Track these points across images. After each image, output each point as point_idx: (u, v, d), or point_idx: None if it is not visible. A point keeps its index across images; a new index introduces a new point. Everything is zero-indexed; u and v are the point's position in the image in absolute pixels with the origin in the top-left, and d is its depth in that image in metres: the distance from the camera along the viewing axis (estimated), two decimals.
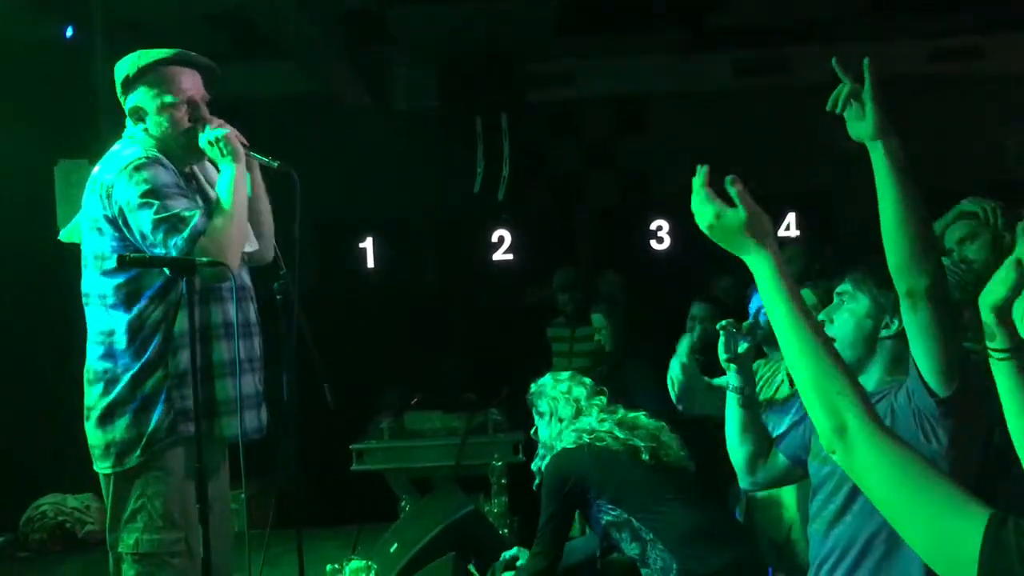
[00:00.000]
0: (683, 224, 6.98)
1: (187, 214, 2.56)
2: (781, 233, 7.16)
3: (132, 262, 2.51)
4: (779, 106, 7.10)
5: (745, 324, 2.51)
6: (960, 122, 6.74)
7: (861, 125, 1.99)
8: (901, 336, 2.10)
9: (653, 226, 7.23)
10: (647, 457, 3.05)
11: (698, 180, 1.60)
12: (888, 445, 1.30)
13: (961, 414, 1.99)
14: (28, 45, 4.61)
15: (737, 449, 2.46)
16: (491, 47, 6.56)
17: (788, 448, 2.40)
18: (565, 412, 3.23)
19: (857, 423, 1.32)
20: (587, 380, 3.38)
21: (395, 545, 3.61)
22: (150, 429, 2.62)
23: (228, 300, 2.70)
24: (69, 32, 4.39)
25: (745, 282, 5.21)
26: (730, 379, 2.48)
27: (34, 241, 4.76)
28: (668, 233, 7.18)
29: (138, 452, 2.63)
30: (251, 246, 2.85)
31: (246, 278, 2.85)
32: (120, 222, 2.59)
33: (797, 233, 7.12)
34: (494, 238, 7.21)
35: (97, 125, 4.77)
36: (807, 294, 3.36)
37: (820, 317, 2.29)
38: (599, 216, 7.50)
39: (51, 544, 4.88)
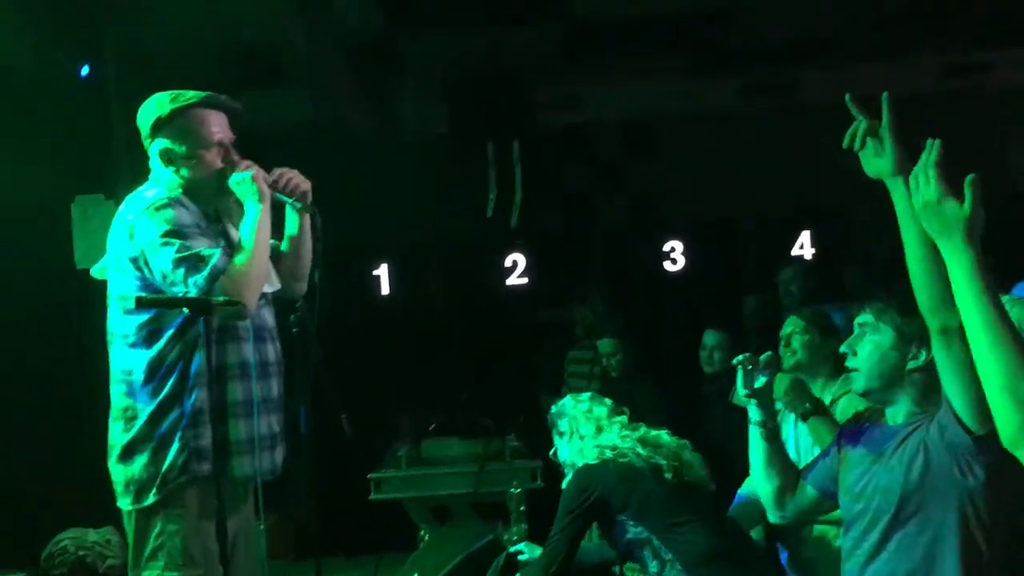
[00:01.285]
0: (695, 245, 7.08)
1: (207, 253, 2.58)
2: (795, 252, 7.16)
3: (149, 303, 2.54)
4: (789, 126, 7.12)
5: (763, 358, 2.49)
6: (970, 138, 6.72)
7: (880, 162, 1.98)
8: (930, 367, 2.07)
9: (666, 248, 7.23)
10: (670, 475, 3.02)
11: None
12: None
13: (998, 449, 1.96)
14: (44, 81, 4.65)
15: (764, 483, 2.43)
16: (501, 73, 6.60)
17: (816, 480, 2.37)
18: (586, 430, 3.22)
19: None
20: (607, 400, 3.38)
21: (415, 575, 3.60)
22: (165, 468, 2.63)
23: (245, 340, 2.71)
24: (85, 71, 4.44)
25: (771, 303, 5.22)
26: (751, 414, 2.46)
27: (53, 276, 4.81)
28: (681, 254, 7.17)
29: (154, 490, 2.64)
30: (271, 287, 2.86)
31: (268, 317, 2.86)
32: (141, 261, 2.62)
33: (812, 251, 7.12)
34: (508, 262, 7.23)
35: (113, 160, 4.82)
36: (794, 320, 3.40)
37: (842, 349, 2.26)
38: (611, 239, 7.51)
39: None
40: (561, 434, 3.31)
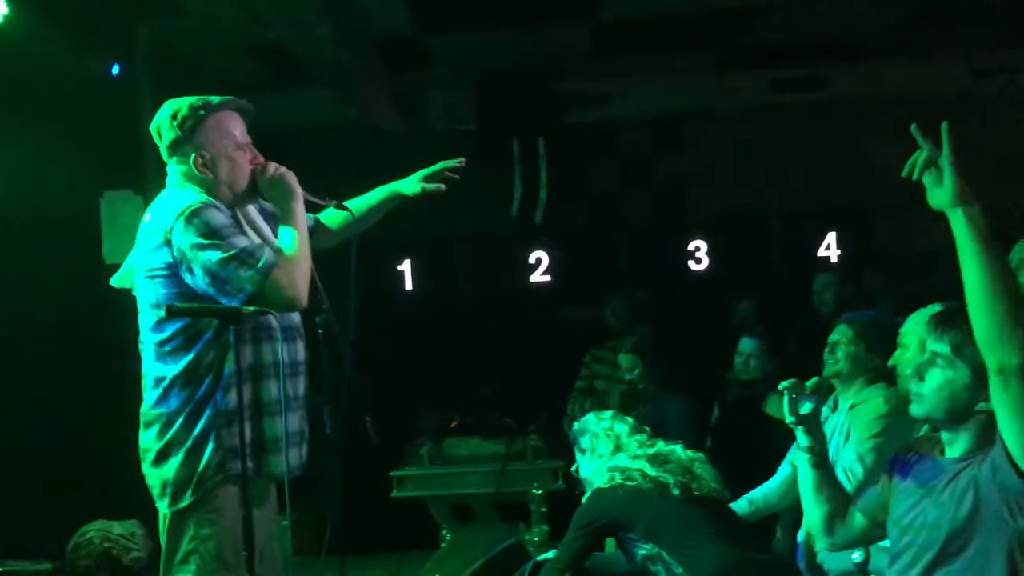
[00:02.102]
0: (721, 244, 7.04)
1: (254, 248, 2.61)
2: (821, 253, 7.10)
3: (180, 312, 2.55)
4: (817, 123, 7.06)
5: (809, 384, 2.44)
6: (1002, 139, 6.64)
7: (940, 192, 1.92)
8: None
9: (691, 246, 7.19)
10: (677, 492, 3.09)
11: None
12: None
13: None
14: (75, 79, 4.70)
15: (813, 509, 2.38)
16: (527, 70, 6.59)
17: (866, 508, 2.33)
18: (605, 448, 3.32)
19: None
20: (629, 419, 3.46)
21: None
22: (200, 467, 2.65)
23: (276, 340, 2.73)
24: (115, 70, 4.48)
25: (766, 306, 5.16)
26: (799, 439, 2.40)
27: (82, 271, 4.85)
28: (707, 254, 7.13)
29: (190, 491, 2.66)
30: None
31: (294, 316, 2.87)
32: (183, 268, 2.60)
33: (838, 252, 7.05)
34: (532, 260, 7.22)
35: (142, 156, 4.87)
36: (843, 330, 3.34)
37: (908, 371, 2.20)
38: (637, 236, 7.48)
39: (97, 571, 4.93)
40: (583, 451, 3.40)
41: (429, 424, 5.62)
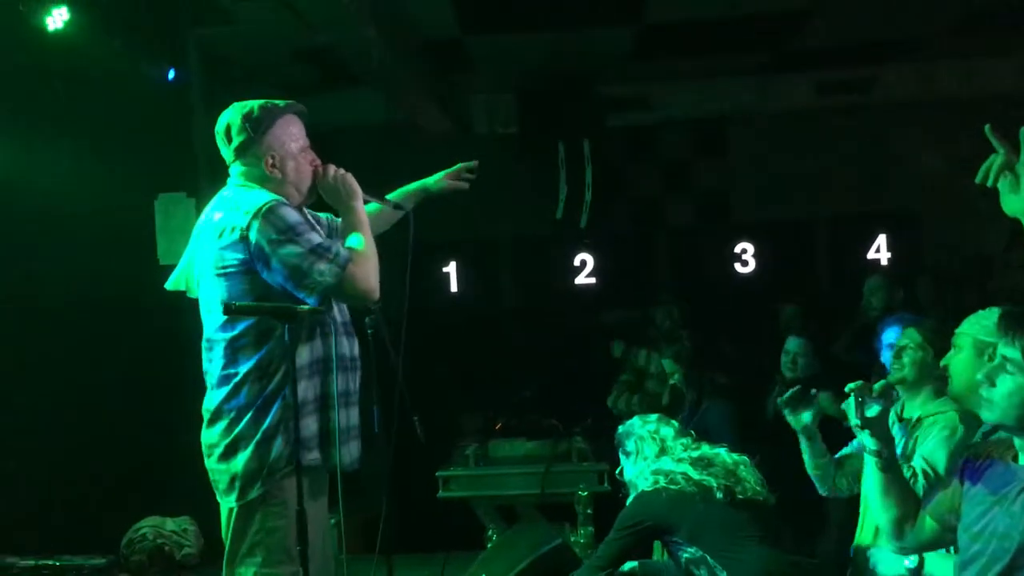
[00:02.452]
0: (766, 247, 6.97)
1: (329, 244, 2.70)
2: (871, 256, 7.02)
3: (238, 310, 2.61)
4: (863, 126, 6.99)
5: (876, 386, 2.41)
6: None
7: (1016, 199, 1.85)
8: None
9: (737, 249, 7.15)
10: (720, 495, 3.09)
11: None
12: None
13: None
14: (129, 84, 4.79)
15: (881, 513, 2.37)
16: (571, 73, 6.60)
17: (936, 513, 2.29)
18: (650, 451, 3.31)
19: None
20: (674, 422, 3.46)
21: None
22: (271, 459, 2.70)
23: (340, 334, 2.83)
24: (171, 75, 4.57)
25: (812, 310, 5.11)
26: (866, 443, 2.38)
27: (138, 270, 4.95)
28: (752, 256, 7.09)
29: (260, 483, 2.71)
30: None
31: (347, 314, 2.94)
32: (259, 264, 2.66)
33: (888, 255, 6.97)
34: (576, 262, 7.22)
35: (194, 159, 4.96)
36: (911, 334, 3.24)
37: (978, 377, 2.13)
38: (680, 239, 7.46)
39: (150, 566, 5.02)
40: (627, 454, 3.40)
41: (474, 425, 5.65)
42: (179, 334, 2.93)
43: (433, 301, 7.12)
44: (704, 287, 6.91)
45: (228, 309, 2.58)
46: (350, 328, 2.93)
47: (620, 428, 3.48)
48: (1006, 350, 2.05)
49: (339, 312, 2.86)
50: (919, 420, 3.10)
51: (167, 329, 4.32)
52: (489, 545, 4.38)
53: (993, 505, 2.09)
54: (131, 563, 5.02)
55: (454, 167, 3.31)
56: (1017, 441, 2.10)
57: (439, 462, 5.25)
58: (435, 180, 3.30)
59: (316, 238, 2.69)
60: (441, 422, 5.12)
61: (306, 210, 2.95)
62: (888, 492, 2.33)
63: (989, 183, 1.87)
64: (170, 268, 3.03)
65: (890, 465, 2.35)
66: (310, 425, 2.73)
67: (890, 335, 3.48)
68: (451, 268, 7.23)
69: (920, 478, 2.83)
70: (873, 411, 2.37)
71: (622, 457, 3.42)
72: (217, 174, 3.02)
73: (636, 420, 3.46)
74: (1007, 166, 1.82)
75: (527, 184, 6.94)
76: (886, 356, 3.41)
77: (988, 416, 2.11)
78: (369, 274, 2.73)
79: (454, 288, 7.24)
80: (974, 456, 2.25)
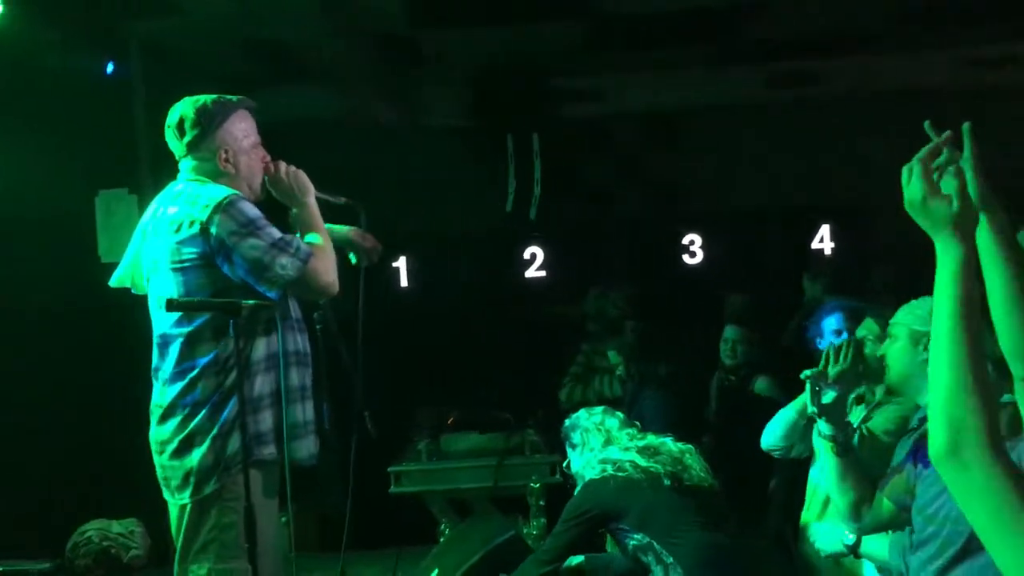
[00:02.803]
0: (715, 238, 7.00)
1: (291, 238, 2.72)
2: (815, 246, 7.12)
3: (180, 306, 2.61)
4: (812, 119, 7.07)
5: (833, 372, 2.45)
6: (994, 134, 6.66)
7: (910, 195, 1.81)
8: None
9: (685, 240, 7.20)
10: (668, 482, 3.13)
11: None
12: (1001, 480, 1.32)
13: None
14: (68, 78, 4.70)
15: (839, 497, 2.41)
16: (522, 65, 6.59)
17: (893, 494, 2.34)
18: (595, 442, 3.35)
19: (977, 450, 1.35)
20: (619, 413, 3.50)
21: (436, 571, 3.62)
22: (228, 454, 2.70)
23: (295, 330, 2.84)
24: (110, 68, 4.48)
25: (757, 303, 5.18)
26: (821, 429, 2.42)
27: (78, 269, 4.85)
28: (700, 248, 7.14)
29: (215, 478, 2.71)
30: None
31: (299, 310, 2.94)
32: (220, 257, 2.66)
33: (832, 246, 7.07)
34: (526, 255, 7.22)
35: (136, 155, 4.87)
36: (869, 325, 3.25)
37: (920, 360, 2.21)
38: (631, 232, 7.49)
39: (96, 569, 4.94)
40: (574, 446, 3.44)
41: (426, 420, 5.62)
42: (121, 333, 2.89)
43: (383, 297, 7.07)
44: (652, 278, 6.94)
45: (170, 305, 2.57)
46: (302, 324, 2.94)
47: (566, 421, 3.53)
48: None
49: (292, 307, 2.86)
50: (879, 403, 3.15)
51: (108, 328, 4.25)
52: (442, 539, 4.38)
53: (946, 488, 2.12)
54: (77, 567, 4.94)
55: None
56: None
57: (392, 458, 5.22)
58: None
59: (277, 232, 2.70)
60: (394, 418, 5.10)
61: None
62: (845, 477, 2.39)
63: (934, 179, 1.88)
64: (113, 266, 2.99)
65: (846, 450, 2.40)
66: (267, 419, 2.73)
67: (830, 323, 3.53)
68: (400, 263, 7.18)
69: (855, 438, 2.81)
70: (828, 397, 2.42)
71: (569, 450, 3.46)
72: (160, 170, 2.99)
73: (582, 412, 3.50)
74: (950, 162, 1.81)
75: (477, 178, 6.92)
76: (825, 343, 3.46)
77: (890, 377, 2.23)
78: (329, 268, 2.76)
79: (404, 283, 7.19)
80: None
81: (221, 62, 5.77)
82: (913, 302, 2.85)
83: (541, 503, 4.37)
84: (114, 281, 2.96)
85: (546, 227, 7.13)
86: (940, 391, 1.40)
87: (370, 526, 4.97)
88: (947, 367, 1.40)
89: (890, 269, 5.92)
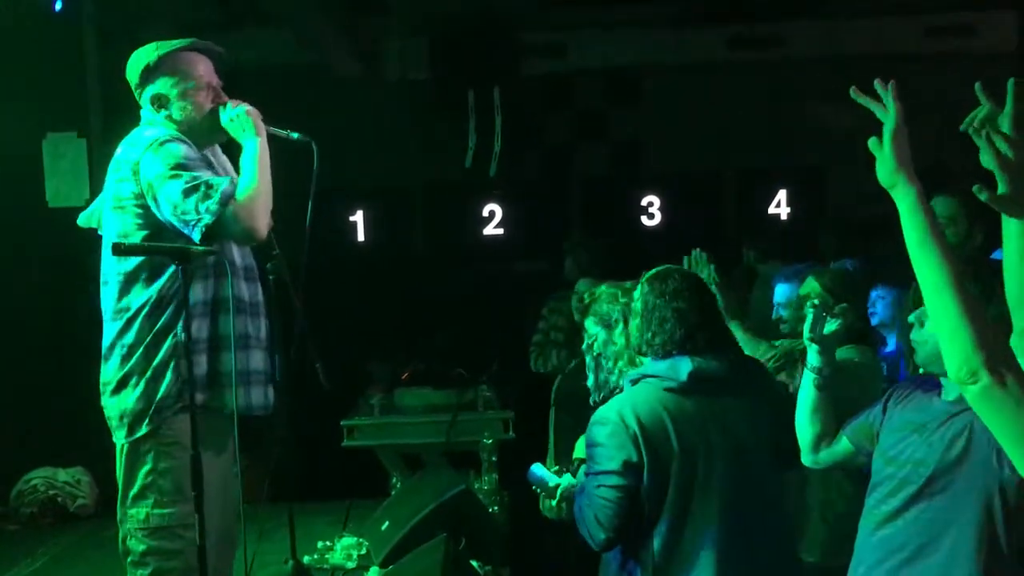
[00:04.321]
0: (675, 199, 7.01)
1: (216, 181, 2.67)
2: (772, 210, 7.17)
3: (128, 250, 2.59)
4: (773, 81, 7.08)
5: (839, 307, 2.48)
6: (955, 99, 6.72)
7: (882, 165, 1.81)
8: None
9: (644, 202, 7.21)
10: None
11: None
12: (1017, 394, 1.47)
13: None
14: (15, 16, 4.53)
15: (805, 427, 2.47)
16: (484, 18, 6.50)
17: (854, 435, 2.40)
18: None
19: (987, 365, 1.49)
20: None
21: (386, 523, 3.63)
22: (159, 397, 2.70)
23: (238, 277, 2.80)
24: (58, 5, 4.33)
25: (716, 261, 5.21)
26: (810, 359, 2.47)
27: (25, 214, 4.74)
28: (659, 209, 7.16)
29: (147, 420, 2.70)
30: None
31: (251, 259, 2.93)
32: (149, 197, 2.67)
33: (788, 210, 7.12)
34: (485, 212, 7.18)
35: (85, 98, 4.73)
36: (811, 283, 3.27)
37: (910, 319, 2.22)
38: (591, 189, 7.47)
39: (42, 518, 4.88)
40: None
41: (381, 374, 5.61)
42: (68, 277, 2.83)
43: (340, 249, 7.01)
44: (612, 236, 6.94)
45: (118, 249, 2.56)
46: (253, 273, 2.92)
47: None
48: None
49: (239, 255, 2.84)
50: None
51: (55, 273, 4.16)
52: (393, 492, 4.39)
53: (911, 432, 2.19)
54: (21, 515, 4.88)
55: None
56: (944, 380, 2.18)
57: (345, 411, 5.21)
58: None
59: (203, 175, 2.66)
60: (349, 371, 5.07)
61: (219, 151, 2.95)
62: (816, 410, 2.44)
63: (972, 132, 1.81)
64: (59, 210, 2.96)
65: (825, 384, 2.44)
66: (201, 364, 2.71)
67: (780, 291, 3.55)
68: (358, 216, 7.11)
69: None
70: (831, 327, 2.46)
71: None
72: (110, 113, 2.95)
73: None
74: (990, 118, 1.78)
75: (437, 132, 6.85)
76: (779, 311, 3.49)
77: (918, 357, 2.23)
78: (254, 214, 2.69)
79: (361, 236, 7.13)
80: (900, 387, 2.36)
81: (176, 3, 5.61)
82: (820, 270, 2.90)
83: (493, 459, 4.38)
84: (82, 220, 2.98)
85: (506, 184, 7.09)
86: (946, 324, 1.55)
87: (321, 478, 4.98)
88: (950, 304, 1.55)
89: (831, 233, 5.96)
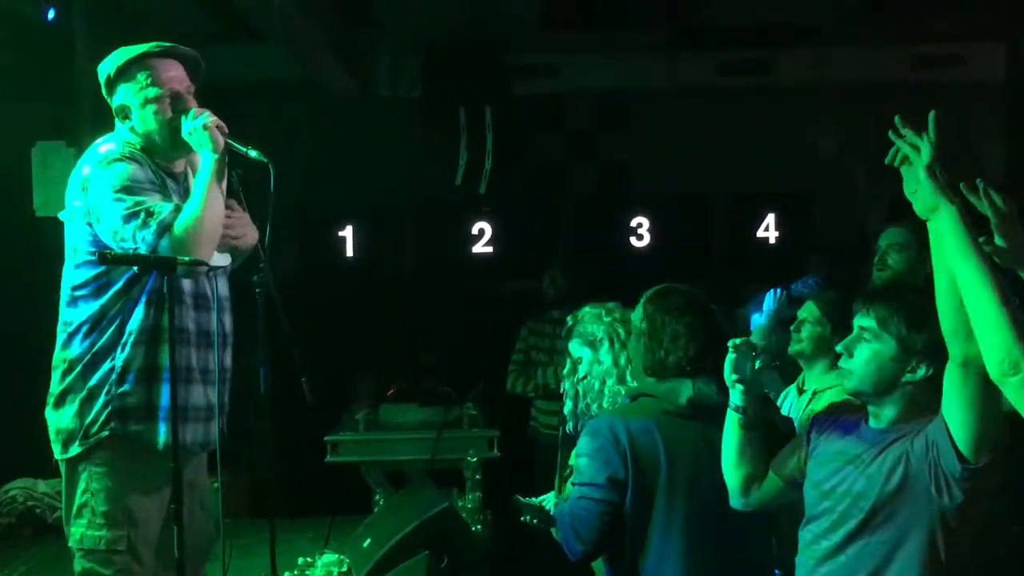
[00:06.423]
0: (663, 222, 7.05)
1: (156, 208, 2.56)
2: (760, 234, 7.20)
3: (113, 259, 2.51)
4: (762, 107, 7.13)
5: (761, 344, 2.44)
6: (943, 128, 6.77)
7: (919, 198, 1.93)
8: (925, 382, 2.07)
9: (633, 223, 7.23)
10: None
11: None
12: None
13: (984, 477, 1.96)
14: (7, 24, 4.52)
15: (733, 471, 2.37)
16: (477, 37, 6.53)
17: (782, 470, 2.35)
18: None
19: None
20: None
21: (368, 540, 3.61)
22: (88, 421, 2.64)
23: (186, 305, 2.70)
24: (51, 14, 4.32)
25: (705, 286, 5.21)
26: (733, 398, 2.37)
27: (12, 223, 4.71)
28: (647, 231, 7.18)
29: (77, 442, 2.66)
30: (223, 260, 2.84)
31: (223, 289, 2.85)
32: (93, 217, 2.60)
33: (777, 234, 7.16)
34: (474, 230, 7.20)
35: (76, 107, 4.72)
36: (810, 308, 3.29)
37: (838, 348, 2.20)
38: (580, 210, 7.50)
39: (20, 529, 4.83)
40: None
41: (367, 390, 5.59)
42: (55, 287, 2.80)
43: (329, 265, 7.01)
44: (597, 258, 6.96)
45: (104, 258, 2.47)
46: (205, 302, 2.78)
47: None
48: (862, 321, 2.17)
49: (197, 284, 2.73)
50: (815, 393, 3.16)
51: (40, 283, 4.12)
52: (376, 509, 4.37)
53: (846, 464, 2.16)
54: (0, 524, 4.82)
55: None
56: (871, 408, 2.18)
57: (330, 427, 5.19)
58: None
59: (147, 199, 2.55)
60: (335, 387, 5.05)
61: (190, 164, 2.83)
62: (744, 451, 2.35)
63: (896, 163, 1.99)
64: (48, 220, 2.94)
65: (752, 424, 2.36)
66: (136, 394, 2.62)
67: (766, 302, 3.59)
68: (347, 232, 7.11)
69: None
70: (755, 366, 2.38)
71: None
72: (100, 123, 2.91)
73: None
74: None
75: (428, 149, 6.86)
76: (756, 322, 3.52)
77: (849, 385, 2.19)
78: (195, 243, 2.54)
79: (350, 253, 7.13)
80: (823, 416, 2.34)
81: (171, 14, 5.62)
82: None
83: (477, 477, 4.37)
84: (63, 215, 2.93)
85: (495, 202, 7.10)
86: (987, 322, 1.74)
87: (304, 494, 4.96)
88: (991, 304, 1.73)
89: (821, 260, 5.99)
